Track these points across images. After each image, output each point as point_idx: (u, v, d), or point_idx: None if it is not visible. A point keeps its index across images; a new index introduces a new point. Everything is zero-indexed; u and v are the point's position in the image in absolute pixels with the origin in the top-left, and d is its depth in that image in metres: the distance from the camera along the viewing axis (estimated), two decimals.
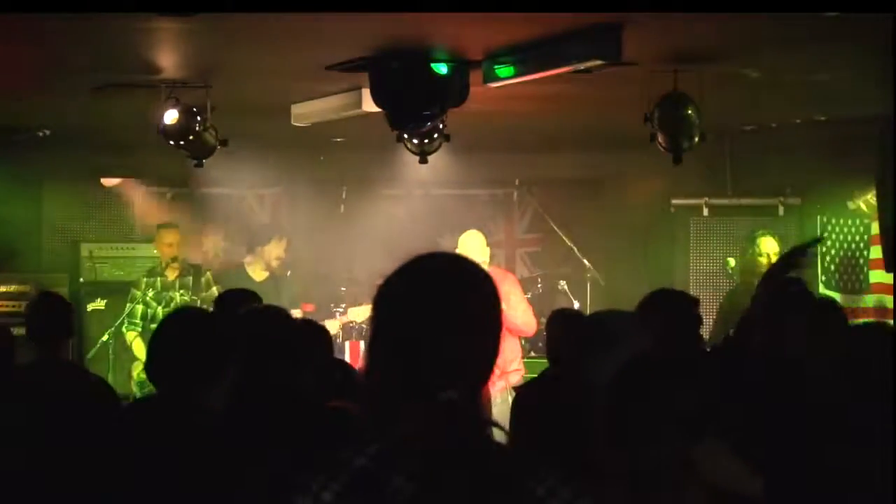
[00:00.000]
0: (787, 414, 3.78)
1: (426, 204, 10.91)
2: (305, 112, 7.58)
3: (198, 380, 3.73)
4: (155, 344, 3.85)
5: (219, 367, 3.74)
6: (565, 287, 10.08)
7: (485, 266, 8.74)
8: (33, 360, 5.07)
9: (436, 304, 2.12)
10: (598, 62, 5.49)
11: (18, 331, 5.50)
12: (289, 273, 10.28)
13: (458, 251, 8.23)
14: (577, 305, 9.67)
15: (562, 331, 5.20)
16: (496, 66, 5.99)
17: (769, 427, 3.75)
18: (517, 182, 11.35)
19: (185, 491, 3.54)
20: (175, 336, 3.82)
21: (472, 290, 2.17)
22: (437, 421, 2.06)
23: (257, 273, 8.96)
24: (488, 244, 8.50)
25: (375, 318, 2.16)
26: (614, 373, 2.79)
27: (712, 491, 2.80)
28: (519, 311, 8.14)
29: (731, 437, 3.21)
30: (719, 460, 3.03)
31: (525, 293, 8.83)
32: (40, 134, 9.16)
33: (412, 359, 2.09)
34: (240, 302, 5.16)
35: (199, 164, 7.31)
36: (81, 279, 9.95)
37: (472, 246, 8.22)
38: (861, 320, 8.03)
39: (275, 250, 9.02)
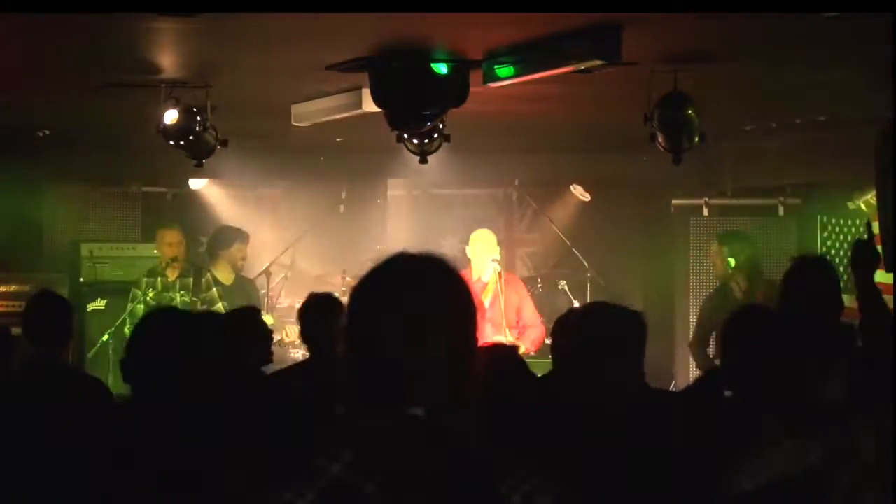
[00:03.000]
0: None
1: (426, 204, 10.90)
2: (305, 112, 7.58)
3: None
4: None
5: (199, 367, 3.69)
6: (565, 287, 10.06)
7: (496, 264, 8.70)
8: (31, 362, 5.04)
9: (401, 304, 2.07)
10: (598, 62, 5.48)
11: (18, 331, 5.47)
12: (289, 274, 10.29)
13: (468, 249, 8.28)
14: (576, 305, 9.66)
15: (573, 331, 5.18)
16: (496, 66, 5.99)
17: None
18: (517, 182, 11.35)
19: (185, 493, 3.53)
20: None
21: (440, 289, 2.10)
22: (403, 437, 2.03)
23: (224, 276, 8.93)
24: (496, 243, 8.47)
25: (348, 321, 2.12)
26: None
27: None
28: (531, 324, 8.18)
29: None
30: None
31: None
32: (40, 134, 9.16)
33: (379, 360, 2.05)
34: (324, 309, 5.37)
35: (199, 164, 7.31)
36: (81, 279, 9.93)
37: (483, 244, 8.21)
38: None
39: (239, 251, 8.99)
